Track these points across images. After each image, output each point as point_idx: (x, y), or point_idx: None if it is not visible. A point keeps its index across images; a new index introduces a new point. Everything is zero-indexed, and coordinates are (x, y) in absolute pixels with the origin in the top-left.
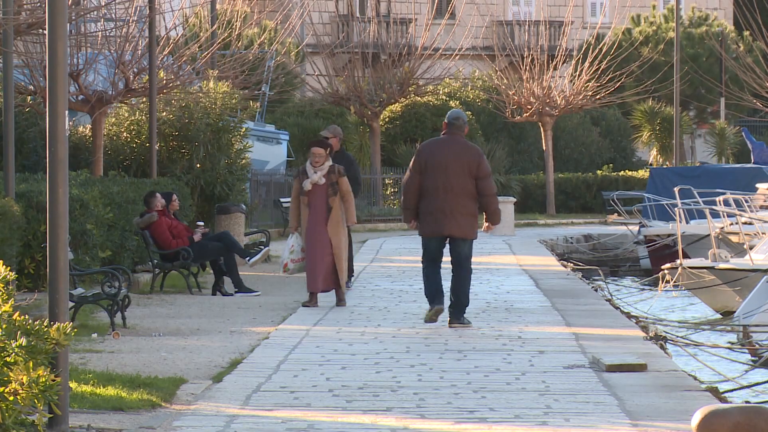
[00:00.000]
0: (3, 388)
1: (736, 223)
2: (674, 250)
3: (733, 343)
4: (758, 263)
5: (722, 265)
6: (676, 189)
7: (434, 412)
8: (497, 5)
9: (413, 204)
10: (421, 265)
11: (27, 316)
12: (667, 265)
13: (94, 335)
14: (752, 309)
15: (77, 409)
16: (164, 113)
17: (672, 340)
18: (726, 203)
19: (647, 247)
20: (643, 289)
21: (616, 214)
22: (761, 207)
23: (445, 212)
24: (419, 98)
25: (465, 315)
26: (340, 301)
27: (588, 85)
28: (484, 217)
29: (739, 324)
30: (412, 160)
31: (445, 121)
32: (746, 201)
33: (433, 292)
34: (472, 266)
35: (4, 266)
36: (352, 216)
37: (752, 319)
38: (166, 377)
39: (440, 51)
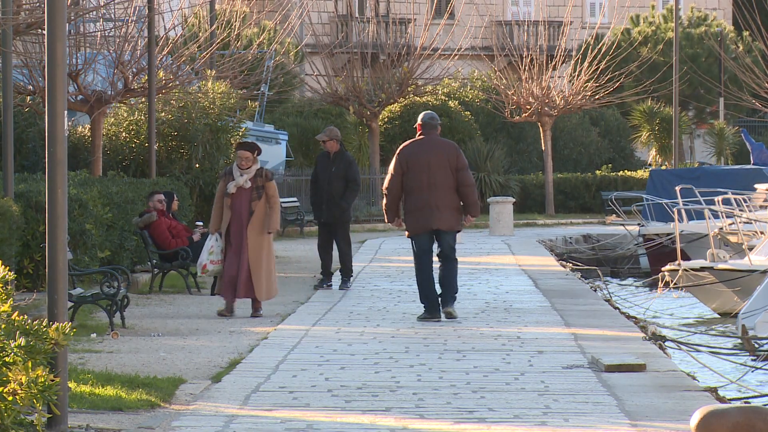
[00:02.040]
0: (2, 388)
1: (737, 223)
2: (673, 250)
3: (733, 346)
4: (756, 264)
5: (720, 266)
6: (677, 188)
7: (433, 412)
8: (496, 5)
9: (396, 205)
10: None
11: (26, 316)
12: (667, 267)
13: (93, 335)
14: (755, 309)
15: (76, 409)
16: (163, 113)
17: (671, 339)
18: (726, 202)
19: (646, 246)
20: (643, 291)
21: (614, 215)
22: (761, 207)
23: (432, 207)
24: (418, 98)
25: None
26: (256, 312)
27: (587, 85)
28: (465, 211)
29: (740, 336)
30: (393, 162)
31: (419, 122)
32: (745, 201)
33: (430, 301)
34: (472, 266)
35: (3, 266)
36: (275, 223)
37: (756, 321)
38: (165, 377)
39: (439, 51)
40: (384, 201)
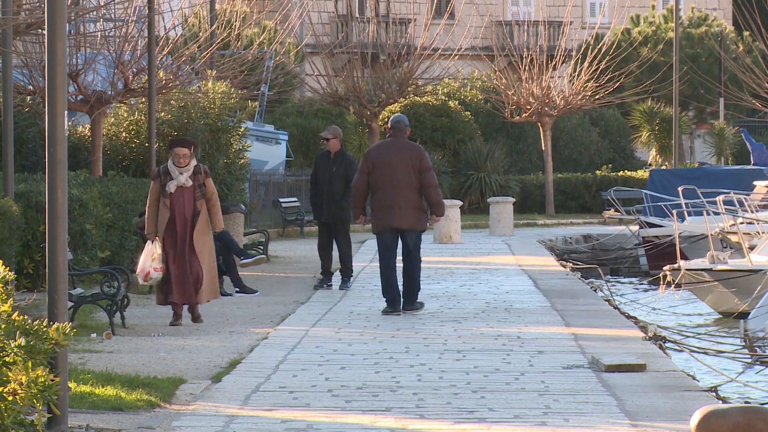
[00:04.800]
0: (2, 388)
1: (740, 223)
2: (672, 249)
3: (734, 347)
4: (757, 264)
5: (720, 267)
6: (680, 189)
7: (433, 412)
8: (496, 5)
9: (362, 203)
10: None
11: (26, 316)
12: (668, 267)
13: (93, 335)
14: (760, 307)
15: (76, 409)
16: (163, 113)
17: (671, 340)
18: (728, 202)
19: (644, 247)
20: (643, 290)
21: (612, 210)
22: (759, 206)
23: (393, 207)
24: (418, 98)
25: (418, 300)
26: (197, 318)
27: (587, 85)
28: (430, 211)
29: (742, 337)
30: (361, 162)
31: (389, 125)
32: (746, 200)
33: (390, 295)
34: (472, 266)
35: (4, 266)
36: (220, 222)
37: (766, 323)
38: (165, 377)
39: (439, 51)
40: (352, 198)
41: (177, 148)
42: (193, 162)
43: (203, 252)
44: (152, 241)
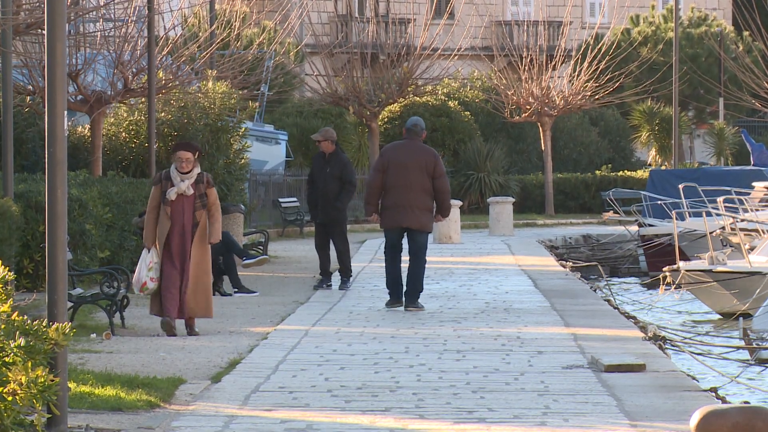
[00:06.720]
0: (2, 388)
1: (740, 221)
2: (671, 249)
3: (734, 347)
4: (756, 265)
5: (720, 268)
6: (680, 186)
7: (433, 412)
8: (496, 5)
9: (375, 200)
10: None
11: (26, 317)
12: (668, 267)
13: (93, 335)
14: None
15: (76, 410)
16: (163, 113)
17: (671, 340)
18: (729, 201)
19: (644, 247)
20: (643, 290)
21: (612, 212)
22: (759, 206)
23: (404, 206)
24: (418, 98)
25: (419, 300)
26: (192, 330)
27: (587, 86)
28: (436, 211)
29: (742, 337)
30: (376, 160)
31: (405, 127)
32: (746, 201)
33: (393, 285)
34: (472, 266)
35: (3, 266)
36: (217, 233)
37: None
38: (164, 377)
39: (439, 51)
40: (365, 195)
41: (180, 151)
42: (197, 169)
43: (203, 267)
44: (149, 250)
